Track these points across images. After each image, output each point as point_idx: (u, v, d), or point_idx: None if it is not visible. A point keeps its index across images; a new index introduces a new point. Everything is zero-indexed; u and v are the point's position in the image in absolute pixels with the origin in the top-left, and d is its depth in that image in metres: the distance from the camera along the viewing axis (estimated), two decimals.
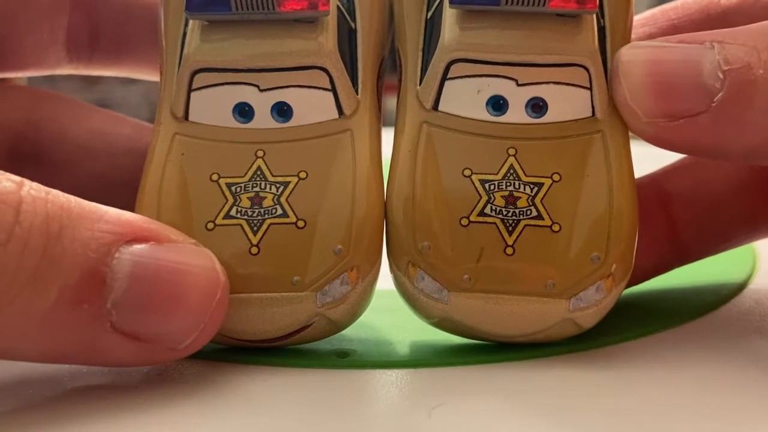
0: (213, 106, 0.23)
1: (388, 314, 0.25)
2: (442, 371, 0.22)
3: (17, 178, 0.19)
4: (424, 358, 0.23)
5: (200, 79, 0.23)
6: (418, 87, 0.23)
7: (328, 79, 0.23)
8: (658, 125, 0.22)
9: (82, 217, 0.19)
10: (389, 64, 0.25)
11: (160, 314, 0.20)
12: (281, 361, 0.22)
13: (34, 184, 0.19)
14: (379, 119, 0.24)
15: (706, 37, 0.22)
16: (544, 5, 0.22)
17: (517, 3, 0.22)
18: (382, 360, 0.23)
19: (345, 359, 0.23)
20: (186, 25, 0.24)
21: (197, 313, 0.20)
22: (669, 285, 0.28)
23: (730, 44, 0.21)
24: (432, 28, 0.24)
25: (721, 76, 0.21)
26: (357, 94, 0.23)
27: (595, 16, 0.23)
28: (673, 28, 0.27)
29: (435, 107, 0.23)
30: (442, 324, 0.23)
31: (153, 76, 0.28)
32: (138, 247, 0.20)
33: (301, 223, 0.22)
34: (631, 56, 0.22)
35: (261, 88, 0.23)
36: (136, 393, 0.21)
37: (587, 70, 0.23)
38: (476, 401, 0.20)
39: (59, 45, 0.28)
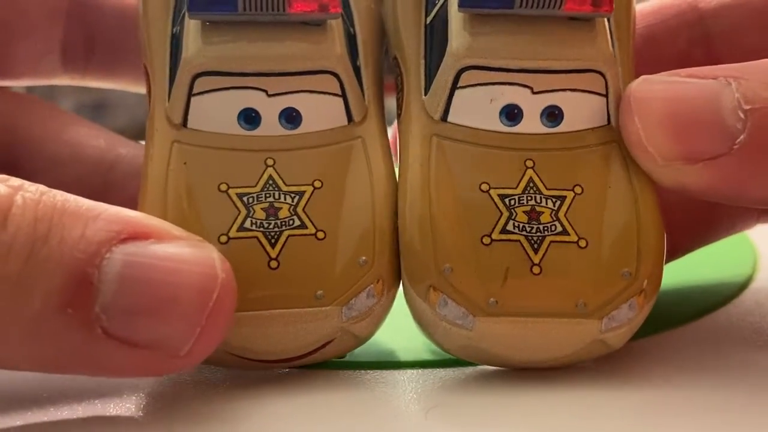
0: (216, 112, 0.22)
1: None
2: (439, 372, 0.22)
3: (17, 182, 0.19)
4: (420, 359, 0.23)
5: (202, 84, 0.22)
6: (423, 97, 0.22)
7: (338, 85, 0.22)
8: (675, 168, 0.21)
9: (76, 216, 0.19)
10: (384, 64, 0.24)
11: (152, 317, 0.19)
12: None
13: (33, 186, 0.19)
14: (386, 127, 0.23)
15: (719, 72, 0.21)
16: (559, 8, 0.21)
17: (532, 6, 0.21)
18: (379, 360, 0.23)
19: (341, 359, 0.23)
20: (174, 25, 0.23)
21: (192, 314, 0.19)
22: (669, 285, 0.28)
23: (748, 80, 0.20)
24: (433, 34, 0.23)
25: (742, 116, 0.20)
26: (365, 101, 0.23)
27: (606, 20, 0.22)
28: (650, 32, 0.26)
29: (444, 118, 0.22)
30: (463, 352, 0.21)
31: None
32: (130, 246, 0.19)
33: (321, 234, 0.21)
34: (646, 93, 0.21)
35: (269, 93, 0.22)
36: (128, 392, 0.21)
37: (603, 76, 0.22)
38: (473, 402, 0.20)
39: (54, 55, 0.27)
